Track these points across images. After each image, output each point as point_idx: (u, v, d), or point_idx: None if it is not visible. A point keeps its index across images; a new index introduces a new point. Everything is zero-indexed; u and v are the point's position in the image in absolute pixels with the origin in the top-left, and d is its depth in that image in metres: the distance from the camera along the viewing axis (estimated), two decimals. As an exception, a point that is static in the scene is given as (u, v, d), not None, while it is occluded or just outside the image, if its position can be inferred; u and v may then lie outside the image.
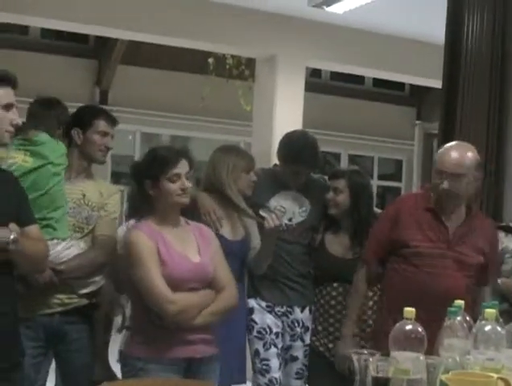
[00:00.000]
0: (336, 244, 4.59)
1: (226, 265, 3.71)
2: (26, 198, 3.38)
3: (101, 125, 4.11)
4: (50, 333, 3.89)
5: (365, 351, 2.18)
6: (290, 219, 4.57)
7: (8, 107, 3.14)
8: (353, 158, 13.94)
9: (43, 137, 3.90)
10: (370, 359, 2.12)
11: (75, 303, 3.94)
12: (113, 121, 4.19)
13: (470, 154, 3.83)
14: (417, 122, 11.96)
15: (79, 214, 3.99)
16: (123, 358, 3.66)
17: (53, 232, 3.81)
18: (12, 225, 3.11)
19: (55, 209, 3.82)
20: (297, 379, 4.61)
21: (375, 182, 13.66)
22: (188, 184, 3.60)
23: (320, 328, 4.57)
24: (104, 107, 6.08)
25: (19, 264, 3.23)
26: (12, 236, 3.06)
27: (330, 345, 4.51)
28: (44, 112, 4.11)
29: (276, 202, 4.56)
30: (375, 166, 14.33)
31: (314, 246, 4.64)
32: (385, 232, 4.03)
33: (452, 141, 4.20)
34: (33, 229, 3.29)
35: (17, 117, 3.18)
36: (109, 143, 4.14)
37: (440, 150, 3.91)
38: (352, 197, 4.53)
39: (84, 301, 3.97)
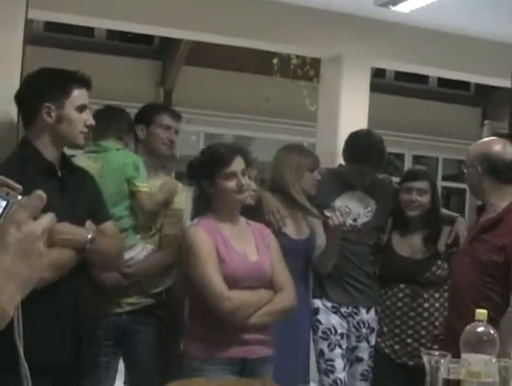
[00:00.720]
0: (404, 245, 4.54)
1: (285, 267, 3.70)
2: (101, 195, 3.43)
3: (164, 118, 4.12)
4: (119, 332, 3.93)
5: (436, 353, 2.16)
6: (355, 220, 4.54)
7: (82, 108, 3.18)
8: (416, 159, 13.81)
9: (109, 144, 3.97)
10: (442, 361, 2.09)
11: (142, 302, 3.97)
12: (176, 116, 4.19)
13: (480, 146, 3.80)
14: (485, 122, 11.83)
15: (146, 213, 4.01)
16: (180, 357, 3.67)
17: None
18: (89, 224, 3.15)
19: (116, 219, 3.78)
20: (362, 380, 4.58)
21: (439, 184, 13.51)
22: (246, 181, 3.59)
23: (385, 329, 4.53)
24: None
25: (95, 262, 3.27)
26: (90, 236, 3.09)
27: (396, 347, 4.47)
28: (109, 121, 4.16)
29: (341, 202, 4.53)
30: (439, 167, 14.16)
31: (380, 246, 4.60)
32: None
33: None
34: (109, 225, 3.32)
35: (90, 118, 3.21)
36: (172, 136, 4.13)
37: None
38: (432, 199, 4.51)
39: (151, 301, 4.00)
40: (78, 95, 3.16)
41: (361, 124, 7.00)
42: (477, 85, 13.20)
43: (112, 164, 3.91)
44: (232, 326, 3.46)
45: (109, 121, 4.08)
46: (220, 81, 11.71)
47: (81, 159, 3.94)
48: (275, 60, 9.44)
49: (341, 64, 7.42)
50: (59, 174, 3.16)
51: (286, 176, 4.28)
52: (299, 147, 4.58)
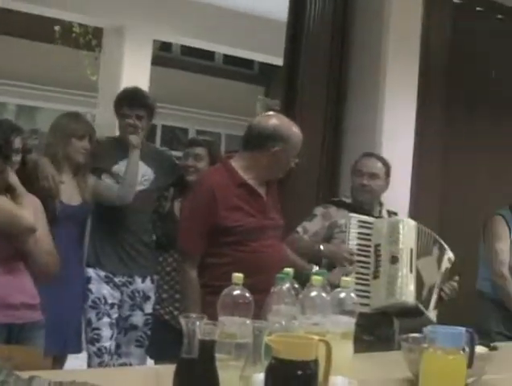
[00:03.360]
0: None
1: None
2: None
3: None
4: None
5: (194, 315, 2.22)
6: (131, 187, 4.57)
7: None
8: (200, 134, 13.97)
9: None
10: (197, 323, 2.15)
11: None
12: None
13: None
14: (259, 97, 12.16)
15: None
16: None
17: None
18: None
19: None
20: (137, 347, 4.65)
21: (223, 159, 13.68)
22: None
23: (164, 296, 4.58)
24: None
25: None
26: None
27: (175, 312, 4.51)
28: None
29: (119, 169, 4.56)
30: (222, 143, 14.42)
31: (163, 213, 4.65)
32: (207, 219, 3.69)
33: (293, 117, 4.33)
34: None
35: None
36: None
37: (293, 129, 3.86)
38: (211, 165, 4.58)
39: None
40: None
41: (143, 96, 7.04)
42: (261, 64, 13.54)
43: None
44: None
45: None
46: (2, 48, 11.34)
47: None
48: (57, 28, 9.26)
49: (124, 35, 7.42)
50: None
51: (51, 140, 4.35)
52: (72, 114, 4.61)
